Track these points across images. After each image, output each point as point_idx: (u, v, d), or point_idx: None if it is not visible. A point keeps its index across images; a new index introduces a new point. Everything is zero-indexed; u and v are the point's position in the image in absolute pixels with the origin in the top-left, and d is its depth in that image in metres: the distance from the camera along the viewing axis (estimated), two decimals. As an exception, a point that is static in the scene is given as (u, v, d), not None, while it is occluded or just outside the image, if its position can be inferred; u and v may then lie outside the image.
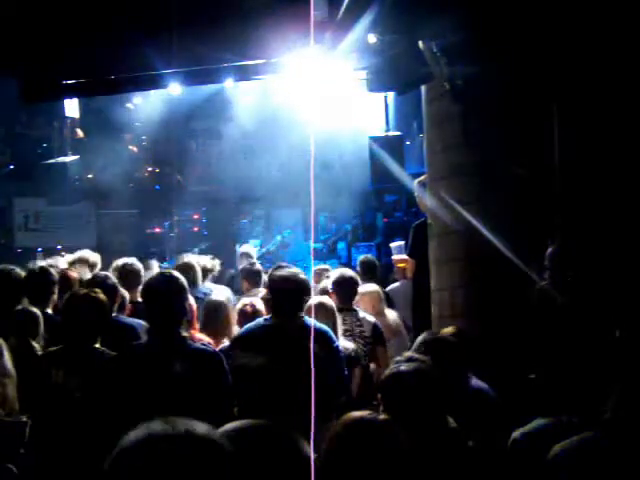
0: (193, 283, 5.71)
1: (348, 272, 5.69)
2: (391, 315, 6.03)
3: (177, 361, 3.48)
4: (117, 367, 3.60)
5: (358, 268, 7.13)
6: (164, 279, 3.76)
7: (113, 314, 4.58)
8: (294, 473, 1.98)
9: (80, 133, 11.25)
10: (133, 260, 5.76)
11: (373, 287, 6.02)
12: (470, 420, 2.96)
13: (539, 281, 4.14)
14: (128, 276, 5.46)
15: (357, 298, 5.62)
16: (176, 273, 3.86)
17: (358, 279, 5.66)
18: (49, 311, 4.83)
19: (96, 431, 3.41)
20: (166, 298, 3.63)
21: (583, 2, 4.39)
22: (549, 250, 4.04)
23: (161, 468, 1.26)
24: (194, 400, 3.31)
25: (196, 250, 12.89)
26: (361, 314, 5.44)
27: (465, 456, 2.76)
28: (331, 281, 5.55)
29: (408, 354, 3.01)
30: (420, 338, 3.62)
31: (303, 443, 1.59)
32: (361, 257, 7.71)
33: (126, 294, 5.02)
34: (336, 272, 5.75)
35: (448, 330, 4.16)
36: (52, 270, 5.17)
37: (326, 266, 7.68)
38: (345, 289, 5.46)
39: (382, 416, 2.41)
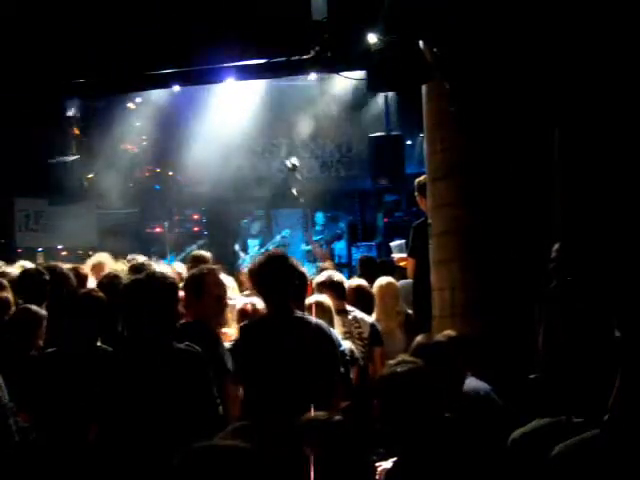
0: None
1: (335, 274, 5.65)
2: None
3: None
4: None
5: (358, 267, 7.12)
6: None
7: None
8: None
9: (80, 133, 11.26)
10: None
11: (386, 280, 5.99)
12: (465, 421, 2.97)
13: (539, 281, 4.13)
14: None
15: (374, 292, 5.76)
16: None
17: (344, 280, 5.63)
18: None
19: (98, 429, 3.43)
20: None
21: (588, 23, 4.38)
22: (550, 250, 4.04)
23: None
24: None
25: (194, 246, 12.89)
26: (358, 315, 5.42)
27: (469, 444, 2.77)
28: (317, 284, 5.44)
29: (400, 357, 3.00)
30: (415, 341, 3.61)
31: None
32: (361, 256, 7.68)
33: None
34: (323, 274, 5.68)
35: (448, 332, 4.15)
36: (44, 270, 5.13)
37: (329, 264, 7.72)
38: (334, 291, 5.39)
39: (336, 417, 2.43)
